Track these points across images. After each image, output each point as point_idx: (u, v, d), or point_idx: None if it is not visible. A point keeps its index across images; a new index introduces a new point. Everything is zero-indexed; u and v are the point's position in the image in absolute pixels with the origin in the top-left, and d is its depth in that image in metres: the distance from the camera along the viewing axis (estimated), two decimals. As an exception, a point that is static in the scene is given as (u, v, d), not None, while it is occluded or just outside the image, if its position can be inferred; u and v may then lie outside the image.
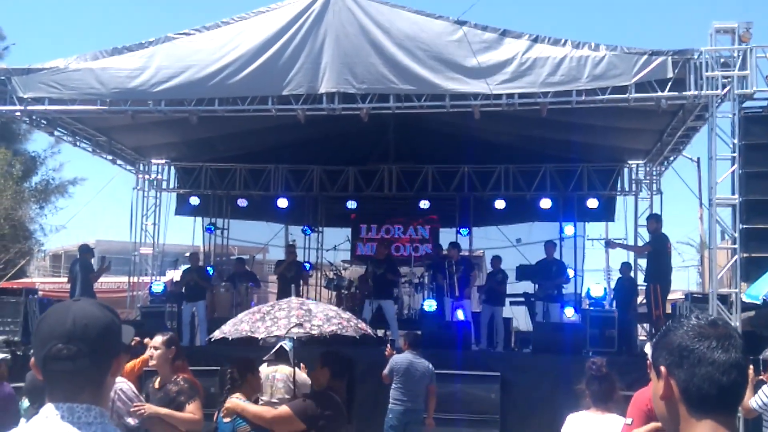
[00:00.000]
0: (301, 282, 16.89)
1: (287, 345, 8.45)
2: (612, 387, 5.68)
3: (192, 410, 6.15)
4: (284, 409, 6.10)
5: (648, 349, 5.52)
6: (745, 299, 10.91)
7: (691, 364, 1.88)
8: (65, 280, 17.64)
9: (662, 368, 1.94)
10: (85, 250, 15.37)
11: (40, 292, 16.24)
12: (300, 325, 6.81)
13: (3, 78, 12.80)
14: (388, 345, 11.72)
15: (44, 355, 2.06)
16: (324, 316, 7.14)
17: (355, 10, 11.85)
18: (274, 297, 16.84)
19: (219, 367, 11.39)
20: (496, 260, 16.12)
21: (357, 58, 11.83)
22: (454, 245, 16.22)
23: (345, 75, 11.83)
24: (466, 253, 17.71)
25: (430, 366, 9.98)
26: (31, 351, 2.18)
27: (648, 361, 5.43)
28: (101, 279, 16.98)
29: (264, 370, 9.14)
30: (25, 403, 7.06)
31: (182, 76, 12.12)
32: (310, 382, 8.45)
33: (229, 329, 7.20)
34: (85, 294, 14.36)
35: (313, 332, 6.90)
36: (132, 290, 18.60)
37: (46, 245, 32.53)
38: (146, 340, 7.00)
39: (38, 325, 2.14)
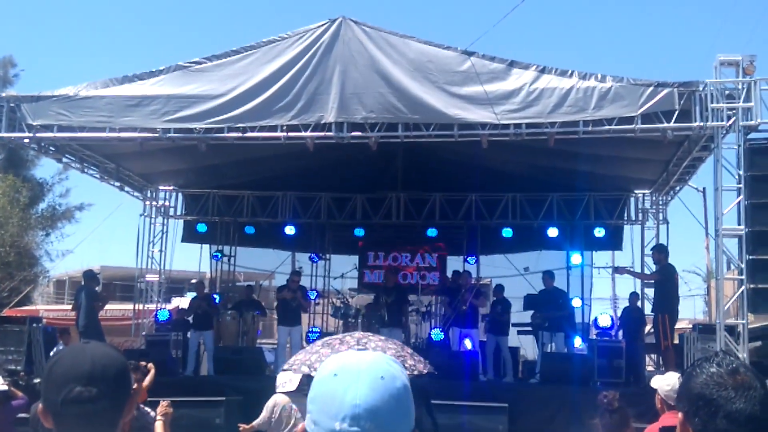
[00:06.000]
0: (303, 309, 16.66)
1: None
2: (623, 421, 5.65)
3: None
4: None
5: (655, 383, 5.49)
6: None
7: (706, 415, 1.86)
8: (69, 307, 17.60)
9: (680, 415, 1.94)
10: (90, 277, 15.27)
11: (44, 320, 16.20)
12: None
13: (12, 105, 12.89)
14: None
15: (62, 399, 1.98)
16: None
17: (364, 41, 11.96)
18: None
19: (224, 398, 11.45)
20: (499, 289, 16.10)
21: (366, 88, 11.91)
22: (467, 273, 16.23)
23: (354, 104, 11.91)
24: (474, 281, 17.66)
25: None
26: (42, 397, 2.10)
27: (657, 396, 5.45)
28: (106, 306, 16.96)
29: (279, 399, 9.04)
30: None
31: (192, 104, 12.21)
32: None
33: (299, 359, 6.97)
34: (90, 322, 14.29)
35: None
36: (137, 318, 18.55)
37: (51, 271, 32.51)
38: (149, 365, 6.95)
39: (50, 370, 2.06)
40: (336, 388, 1.60)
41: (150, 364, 6.92)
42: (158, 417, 6.19)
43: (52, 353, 11.95)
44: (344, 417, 1.57)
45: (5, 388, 9.21)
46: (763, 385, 1.90)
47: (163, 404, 6.17)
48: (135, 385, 6.04)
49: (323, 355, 6.61)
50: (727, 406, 1.84)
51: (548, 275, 15.70)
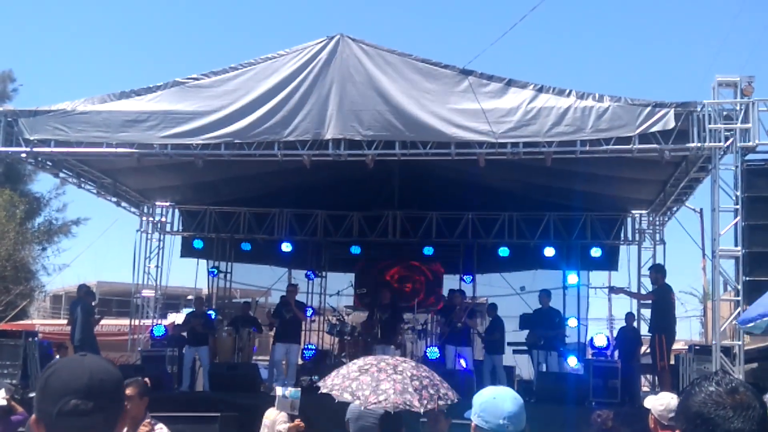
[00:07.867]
0: (302, 324, 16.65)
1: (291, 394, 8.41)
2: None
3: None
4: None
5: (649, 403, 5.47)
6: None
7: None
8: (65, 322, 17.56)
9: None
10: (87, 292, 15.26)
11: (40, 335, 16.14)
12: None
13: (10, 120, 12.87)
14: None
15: (57, 411, 1.96)
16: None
17: (362, 58, 11.96)
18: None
19: (219, 414, 11.38)
20: (492, 308, 16.09)
21: (363, 105, 11.90)
22: (461, 292, 16.19)
23: (351, 122, 11.90)
24: (469, 301, 17.64)
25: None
26: (36, 408, 2.07)
27: (650, 416, 5.42)
28: (102, 321, 16.95)
29: (269, 413, 9.09)
30: None
31: (189, 120, 12.20)
32: None
33: (337, 384, 7.21)
34: (85, 336, 14.27)
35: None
36: (133, 333, 18.49)
37: (48, 286, 32.45)
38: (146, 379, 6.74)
39: (47, 381, 2.04)
40: (497, 403, 3.41)
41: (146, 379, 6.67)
42: None
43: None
44: (504, 417, 3.33)
45: (4, 402, 9.16)
46: (762, 405, 1.88)
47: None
48: (127, 404, 5.97)
49: (363, 383, 6.96)
50: (725, 425, 1.82)
51: (545, 294, 15.69)
